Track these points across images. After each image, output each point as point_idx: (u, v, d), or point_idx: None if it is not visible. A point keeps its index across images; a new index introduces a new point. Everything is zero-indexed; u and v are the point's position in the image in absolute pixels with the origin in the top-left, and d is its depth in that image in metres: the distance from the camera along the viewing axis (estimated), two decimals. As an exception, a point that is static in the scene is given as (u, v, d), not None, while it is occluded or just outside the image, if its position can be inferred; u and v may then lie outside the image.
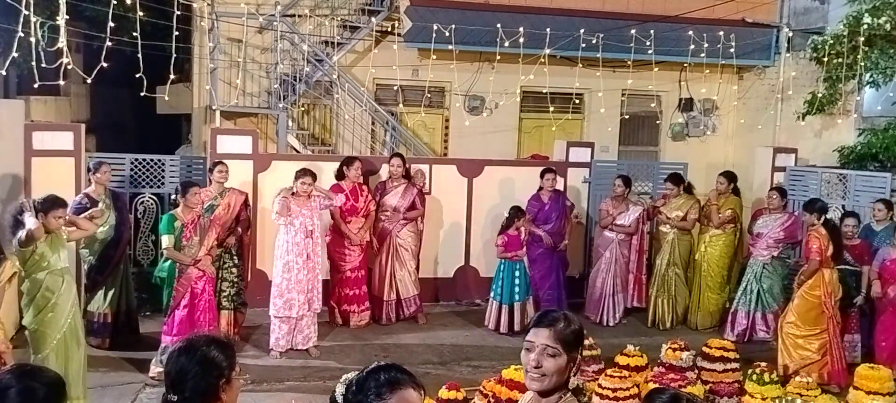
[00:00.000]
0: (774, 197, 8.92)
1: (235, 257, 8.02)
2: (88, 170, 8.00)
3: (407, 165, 9.06)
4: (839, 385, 7.27)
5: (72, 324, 5.84)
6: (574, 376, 2.66)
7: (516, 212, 8.76)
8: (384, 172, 9.38)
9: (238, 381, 2.74)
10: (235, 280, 7.97)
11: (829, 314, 7.45)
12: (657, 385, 6.43)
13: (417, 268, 9.16)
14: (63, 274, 5.82)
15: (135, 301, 8.18)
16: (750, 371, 6.95)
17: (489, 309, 8.91)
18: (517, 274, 8.71)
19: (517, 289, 8.69)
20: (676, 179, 9.45)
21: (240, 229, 8.08)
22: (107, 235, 7.74)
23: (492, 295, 8.91)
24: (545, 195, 9.17)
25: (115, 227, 7.80)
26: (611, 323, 9.32)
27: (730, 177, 9.39)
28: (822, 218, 7.71)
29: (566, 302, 9.26)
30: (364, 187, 8.90)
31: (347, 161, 8.77)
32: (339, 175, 8.70)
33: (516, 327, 8.63)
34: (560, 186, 9.69)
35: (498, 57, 10.87)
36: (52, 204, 5.80)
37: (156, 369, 6.91)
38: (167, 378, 2.65)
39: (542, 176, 9.20)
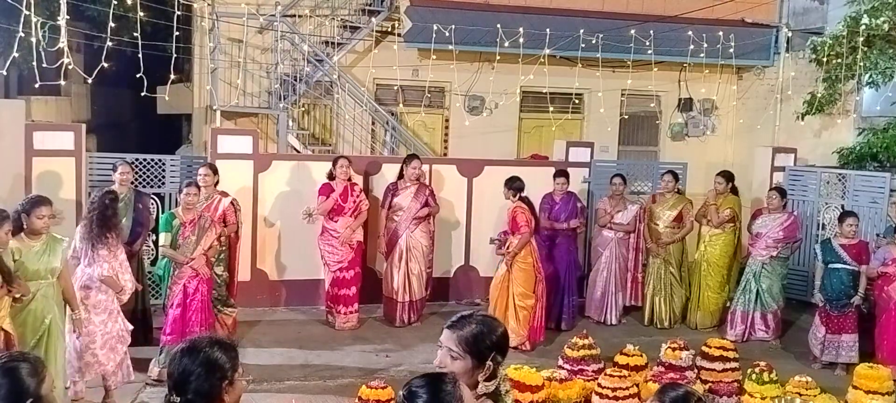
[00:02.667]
0: (774, 197, 8.94)
1: (221, 261, 7.92)
2: (113, 168, 7.92)
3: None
4: (534, 343, 8.18)
5: (49, 329, 5.56)
6: (490, 381, 2.63)
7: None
8: (388, 172, 9.39)
9: (241, 382, 2.73)
10: (218, 283, 7.82)
11: (541, 278, 8.27)
12: (660, 384, 6.46)
13: (429, 269, 9.11)
14: (42, 276, 5.55)
15: (149, 298, 8.17)
16: (749, 371, 6.96)
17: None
18: None
19: None
20: (675, 174, 9.51)
21: (227, 230, 7.90)
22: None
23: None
24: (557, 194, 9.20)
25: (131, 228, 7.68)
26: (613, 322, 9.35)
27: (727, 176, 9.40)
28: (518, 196, 8.31)
29: (576, 305, 9.28)
30: (356, 186, 8.82)
31: (334, 160, 8.72)
32: (330, 175, 8.67)
33: None
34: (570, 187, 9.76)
35: (498, 57, 10.88)
36: (34, 203, 5.55)
37: (155, 369, 6.93)
38: (170, 379, 2.65)
39: (553, 178, 9.21)
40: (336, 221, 8.58)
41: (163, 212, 8.39)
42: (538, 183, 9.35)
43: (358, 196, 8.75)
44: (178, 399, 2.60)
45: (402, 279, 8.83)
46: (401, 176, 8.90)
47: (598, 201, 9.73)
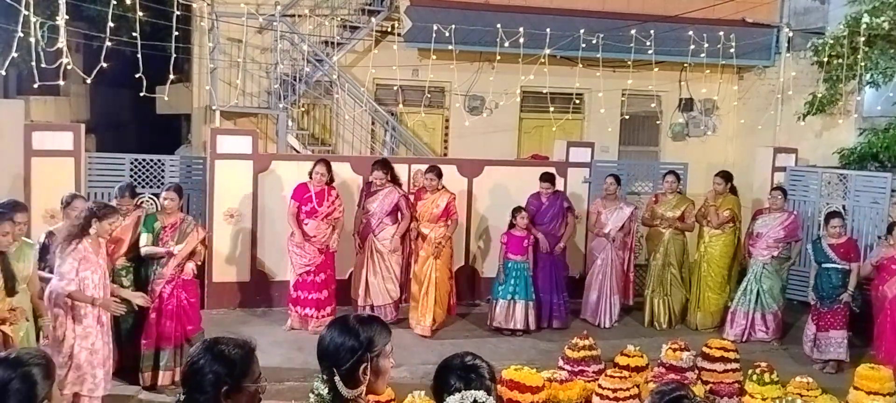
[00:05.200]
0: (778, 196, 8.92)
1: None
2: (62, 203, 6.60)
3: (389, 172, 8.73)
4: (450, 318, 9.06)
5: (27, 336, 5.44)
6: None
7: (516, 211, 8.82)
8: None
9: (253, 389, 2.63)
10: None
11: (453, 256, 9.05)
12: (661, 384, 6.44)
13: (401, 274, 8.86)
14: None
15: None
16: (750, 372, 6.95)
17: (491, 309, 8.92)
18: (516, 273, 8.74)
19: (517, 289, 8.72)
20: (677, 175, 9.51)
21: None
22: None
23: (492, 294, 8.94)
24: (544, 195, 9.17)
25: None
26: (608, 325, 9.30)
27: (726, 176, 9.39)
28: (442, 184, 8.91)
29: (567, 304, 9.27)
30: (333, 190, 8.54)
31: (315, 162, 8.49)
32: (310, 174, 8.49)
33: (519, 325, 8.73)
34: (560, 186, 9.70)
35: (498, 57, 10.86)
36: (10, 208, 5.40)
37: (145, 375, 6.87)
38: (182, 375, 2.70)
39: (540, 180, 9.17)
40: (307, 224, 8.41)
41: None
42: (537, 183, 9.30)
43: (333, 201, 8.49)
44: (184, 395, 2.62)
45: (363, 282, 8.67)
46: (373, 183, 8.72)
47: (592, 202, 9.67)
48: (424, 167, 9.13)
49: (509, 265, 8.78)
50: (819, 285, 8.07)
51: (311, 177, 8.47)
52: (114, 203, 6.83)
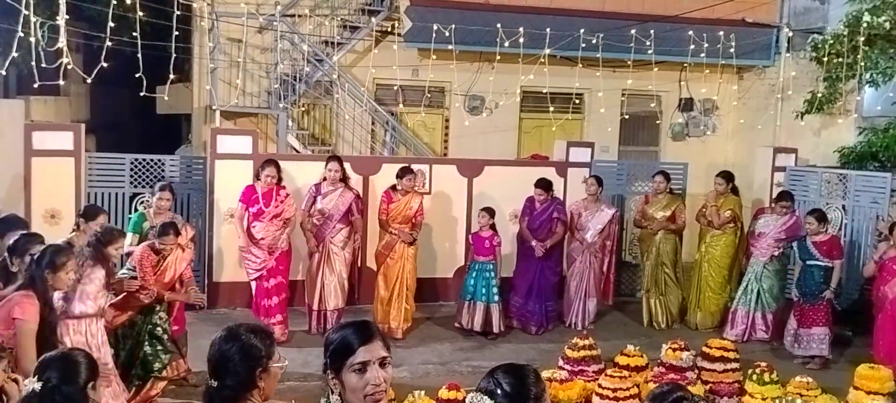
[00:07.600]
0: (787, 205, 8.88)
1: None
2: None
3: (343, 169, 8.51)
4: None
5: None
6: None
7: (482, 211, 8.77)
8: (389, 172, 9.36)
9: (276, 369, 2.79)
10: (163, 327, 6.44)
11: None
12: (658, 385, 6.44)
13: (351, 278, 8.71)
14: None
15: None
16: (750, 371, 6.96)
17: (458, 308, 8.85)
18: (478, 274, 8.64)
19: (477, 290, 8.61)
20: (667, 175, 9.50)
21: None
22: None
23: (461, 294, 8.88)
24: (537, 201, 9.02)
25: None
26: (579, 326, 9.10)
27: (727, 177, 9.39)
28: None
29: (551, 310, 9.14)
30: (282, 190, 8.22)
31: (263, 163, 8.18)
32: (257, 175, 8.26)
33: (476, 327, 8.61)
34: (560, 186, 9.68)
35: (498, 57, 10.87)
36: None
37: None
38: (209, 365, 2.75)
39: (535, 186, 9.05)
40: (255, 226, 8.07)
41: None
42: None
43: (282, 201, 8.15)
44: (216, 383, 2.70)
45: (318, 286, 8.39)
46: (326, 178, 8.46)
47: (571, 205, 9.48)
48: (397, 168, 8.83)
49: (474, 265, 8.72)
50: (803, 282, 8.21)
51: (258, 178, 8.18)
52: (156, 243, 6.33)
